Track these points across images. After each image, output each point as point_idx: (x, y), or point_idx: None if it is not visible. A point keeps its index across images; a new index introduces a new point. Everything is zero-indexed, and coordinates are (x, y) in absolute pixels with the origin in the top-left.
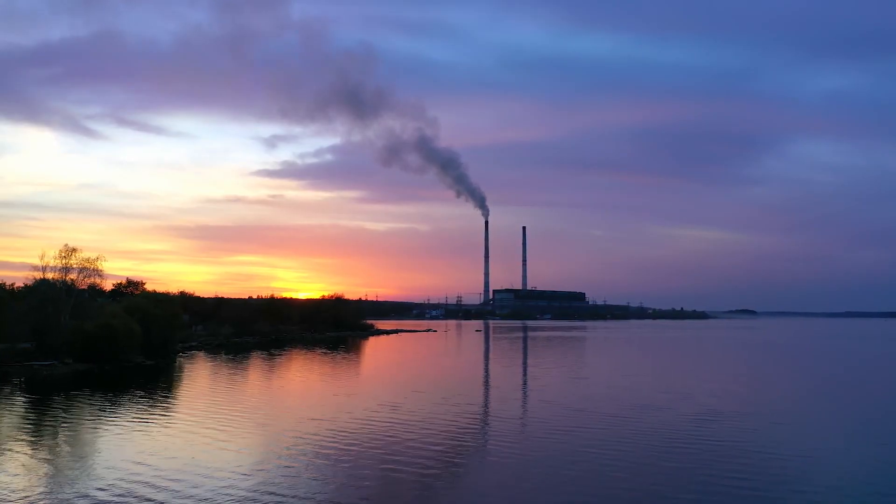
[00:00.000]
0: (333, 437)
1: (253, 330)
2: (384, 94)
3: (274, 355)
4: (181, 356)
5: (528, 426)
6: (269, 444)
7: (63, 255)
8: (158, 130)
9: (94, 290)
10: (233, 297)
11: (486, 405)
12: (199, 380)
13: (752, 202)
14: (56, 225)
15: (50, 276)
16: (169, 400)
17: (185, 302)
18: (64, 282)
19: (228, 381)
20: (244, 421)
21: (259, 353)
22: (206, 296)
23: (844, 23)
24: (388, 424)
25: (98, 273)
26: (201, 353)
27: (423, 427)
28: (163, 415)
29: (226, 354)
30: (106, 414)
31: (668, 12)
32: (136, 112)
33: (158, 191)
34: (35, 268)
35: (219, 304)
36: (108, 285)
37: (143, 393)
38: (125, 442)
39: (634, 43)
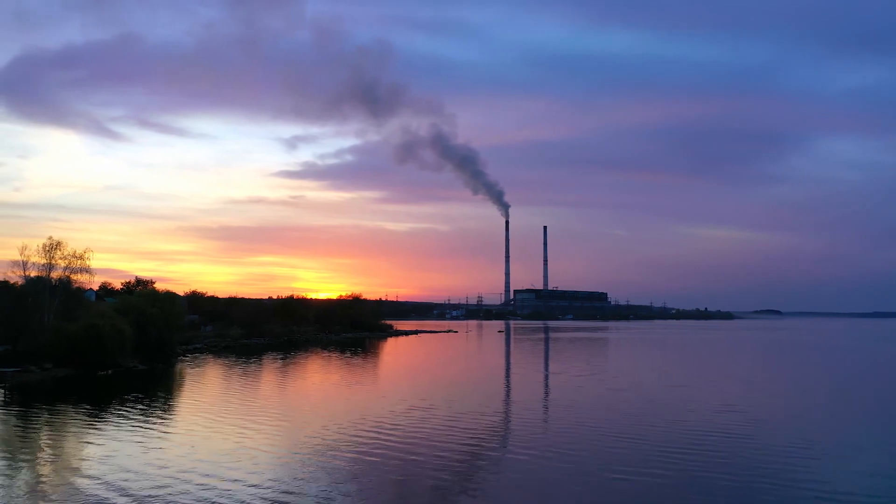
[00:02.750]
0: (343, 453)
1: (264, 331)
2: (399, 90)
3: (284, 358)
4: (182, 359)
5: (560, 459)
6: (265, 466)
7: (46, 249)
8: (180, 132)
9: (106, 290)
10: (254, 297)
11: (509, 424)
12: (194, 386)
13: (776, 201)
14: (82, 226)
15: (32, 273)
16: (147, 410)
17: (196, 301)
18: (48, 278)
19: (226, 387)
20: (236, 437)
21: (269, 355)
22: (227, 296)
23: (869, 18)
24: (404, 443)
25: (87, 270)
26: (206, 356)
27: (442, 449)
28: (135, 426)
29: (233, 357)
30: (69, 426)
31: (690, 8)
32: (158, 114)
33: (181, 192)
34: (15, 263)
35: (230, 303)
36: (117, 284)
37: (120, 402)
38: (82, 461)
39: (655, 40)
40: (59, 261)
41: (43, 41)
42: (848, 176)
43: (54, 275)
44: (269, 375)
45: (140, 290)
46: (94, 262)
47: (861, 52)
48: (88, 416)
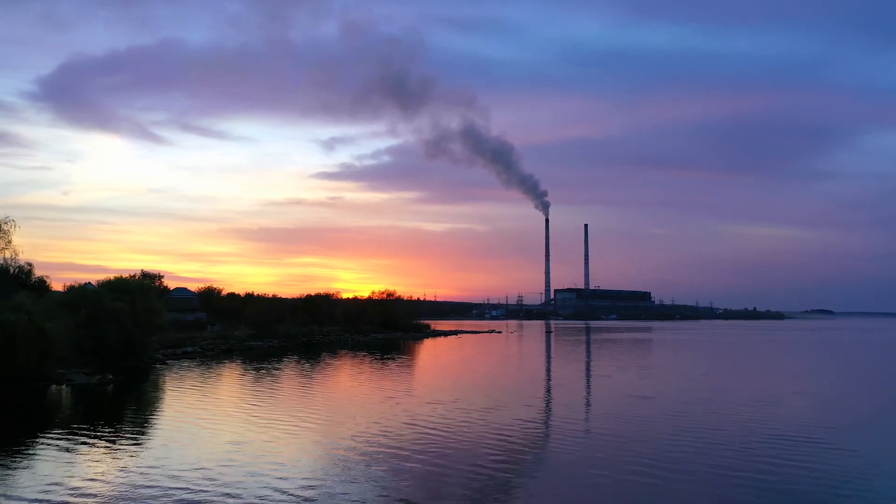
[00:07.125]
0: None
1: (278, 331)
2: (431, 81)
3: (295, 363)
4: (161, 367)
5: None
6: None
7: None
8: (220, 135)
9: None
10: (289, 297)
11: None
12: (128, 411)
13: (826, 197)
14: (126, 228)
15: None
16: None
17: (209, 298)
18: None
19: (198, 420)
20: None
21: (278, 360)
22: (245, 294)
23: None
24: None
25: (23, 263)
26: (195, 363)
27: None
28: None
29: (229, 363)
30: None
31: (731, 0)
32: (199, 117)
33: (222, 194)
34: None
35: (245, 301)
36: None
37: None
38: None
39: (697, 33)
40: None
41: (86, 47)
42: None
43: None
44: (261, 392)
45: (108, 281)
46: (139, 263)
47: None
48: None
